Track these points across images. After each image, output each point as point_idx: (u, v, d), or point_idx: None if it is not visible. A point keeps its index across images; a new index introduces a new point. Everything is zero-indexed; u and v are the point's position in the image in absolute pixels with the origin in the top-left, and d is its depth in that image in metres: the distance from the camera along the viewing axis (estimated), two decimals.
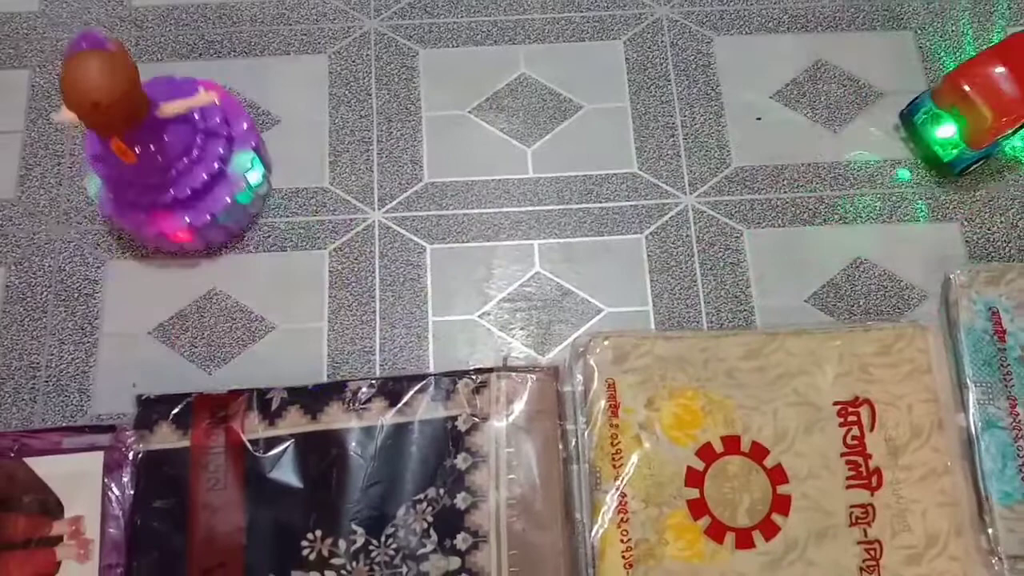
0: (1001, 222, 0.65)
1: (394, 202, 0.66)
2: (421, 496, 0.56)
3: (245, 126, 0.63)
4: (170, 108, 0.57)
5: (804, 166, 0.66)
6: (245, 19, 0.72)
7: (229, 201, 0.61)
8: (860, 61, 0.70)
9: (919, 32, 0.71)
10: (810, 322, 0.62)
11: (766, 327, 0.62)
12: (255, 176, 0.63)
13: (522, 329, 0.62)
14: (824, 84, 0.69)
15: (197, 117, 0.60)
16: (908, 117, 0.66)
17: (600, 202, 0.66)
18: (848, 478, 0.56)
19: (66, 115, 0.53)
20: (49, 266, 0.64)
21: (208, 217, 0.60)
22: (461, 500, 0.56)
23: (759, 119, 0.68)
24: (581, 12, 0.72)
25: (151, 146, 0.57)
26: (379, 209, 0.66)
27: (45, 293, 0.63)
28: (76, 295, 0.63)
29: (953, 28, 0.71)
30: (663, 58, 0.70)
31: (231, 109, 0.63)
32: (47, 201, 0.66)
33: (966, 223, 0.65)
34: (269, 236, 0.65)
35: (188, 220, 0.60)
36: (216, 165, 0.60)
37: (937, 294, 0.62)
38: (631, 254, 0.64)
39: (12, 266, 0.64)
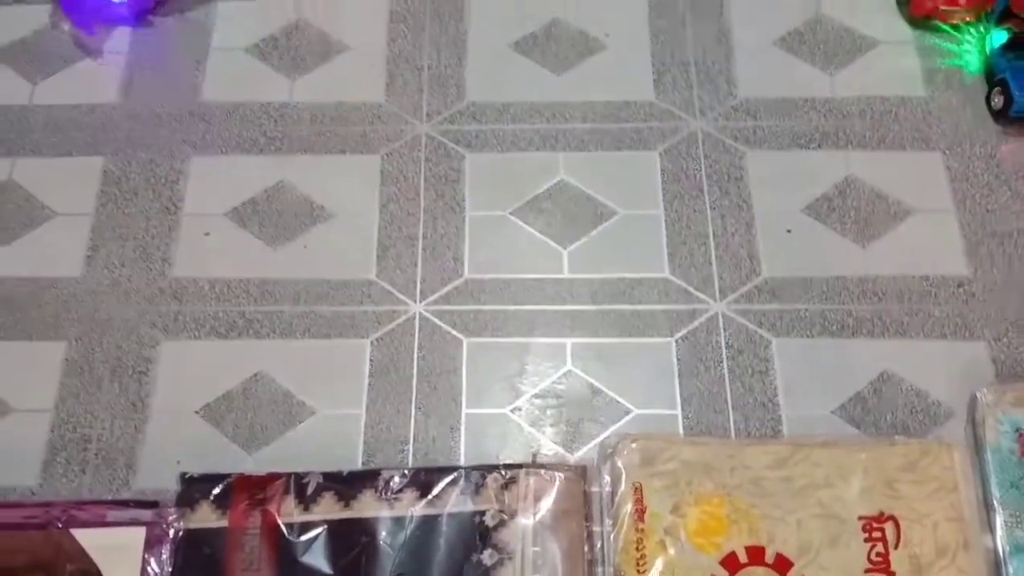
0: None
1: (435, 296, 0.69)
2: None
3: None
4: None
5: (833, 279, 0.68)
6: (304, 119, 0.77)
7: None
8: (889, 179, 0.72)
9: (946, 153, 0.73)
10: (836, 434, 0.63)
11: (793, 437, 0.63)
12: None
13: (552, 426, 0.64)
14: (853, 200, 0.71)
15: None
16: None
17: (632, 304, 0.68)
18: None
19: None
20: (107, 343, 0.68)
21: None
22: None
23: (789, 231, 0.70)
24: (619, 124, 0.75)
25: None
26: (420, 302, 0.69)
27: (102, 369, 0.67)
28: (130, 372, 0.67)
29: (981, 150, 0.73)
30: (697, 169, 0.73)
31: None
32: (110, 281, 0.70)
33: (994, 342, 0.66)
34: (314, 324, 0.68)
35: None
36: None
37: (964, 412, 0.63)
38: (661, 357, 0.66)
39: (73, 341, 0.68)
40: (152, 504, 0.60)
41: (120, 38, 0.81)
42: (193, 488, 0.61)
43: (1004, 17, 0.74)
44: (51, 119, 0.78)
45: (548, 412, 0.65)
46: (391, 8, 0.82)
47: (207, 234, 0.72)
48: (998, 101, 0.73)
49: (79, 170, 0.75)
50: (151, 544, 0.58)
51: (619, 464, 0.60)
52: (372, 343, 0.67)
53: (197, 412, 0.65)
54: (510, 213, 0.72)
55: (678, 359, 0.66)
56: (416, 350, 0.67)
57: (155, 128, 0.77)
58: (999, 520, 0.58)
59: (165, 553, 0.58)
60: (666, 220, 0.71)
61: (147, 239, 0.72)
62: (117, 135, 0.77)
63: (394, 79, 0.78)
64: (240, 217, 0.73)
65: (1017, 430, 0.61)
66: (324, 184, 0.74)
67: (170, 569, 0.58)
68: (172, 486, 0.61)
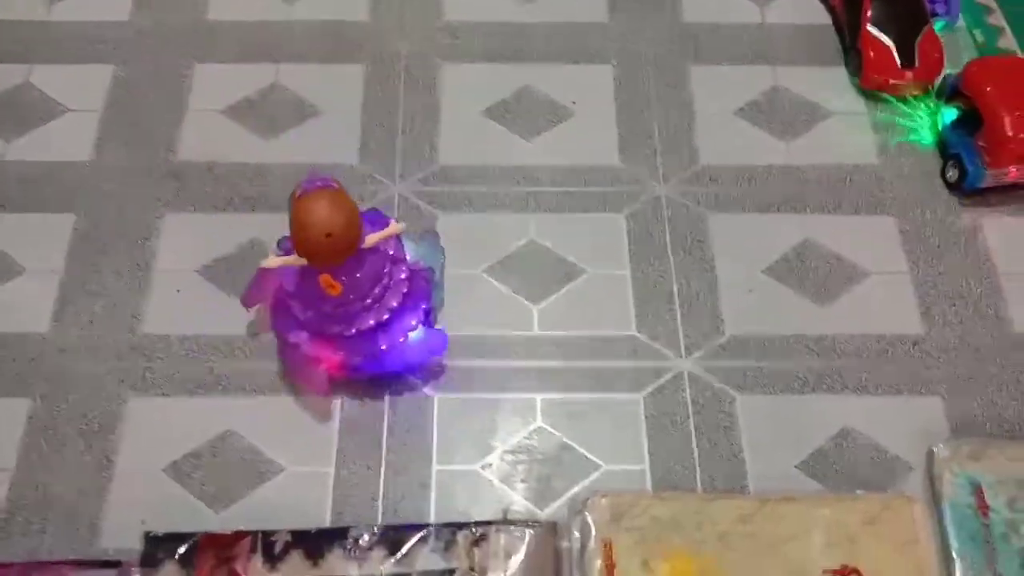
0: (980, 399, 0.68)
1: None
2: None
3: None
4: (372, 238, 0.61)
5: (793, 337, 0.70)
6: (277, 178, 0.78)
7: (414, 324, 0.65)
8: (845, 241, 0.75)
9: (899, 217, 0.77)
10: (800, 489, 0.64)
11: (758, 492, 0.64)
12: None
13: (522, 482, 0.64)
14: (812, 262, 0.74)
15: (382, 246, 0.64)
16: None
17: (601, 360, 0.69)
18: None
19: (273, 261, 0.61)
20: (73, 400, 0.67)
21: (400, 339, 0.64)
22: None
23: (751, 291, 0.73)
24: (587, 188, 0.78)
25: (354, 276, 0.62)
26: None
27: (67, 427, 0.66)
28: (96, 429, 0.66)
29: (931, 215, 0.77)
30: (661, 231, 0.76)
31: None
32: (78, 337, 0.70)
33: (948, 398, 0.68)
34: (283, 381, 0.68)
35: (384, 345, 0.64)
36: (403, 290, 0.64)
37: (923, 466, 0.65)
38: (629, 413, 0.67)
39: (38, 398, 0.67)
40: (115, 563, 0.59)
41: (96, 97, 0.83)
42: (158, 548, 0.60)
43: (952, 95, 0.79)
44: (23, 175, 0.78)
45: (519, 468, 0.65)
46: (365, 75, 0.84)
47: (178, 291, 0.72)
48: (953, 174, 0.77)
49: (49, 226, 0.75)
50: None
51: (589, 520, 0.61)
52: (343, 401, 0.67)
53: (164, 470, 0.64)
54: (482, 271, 0.73)
55: (646, 416, 0.67)
56: (386, 407, 0.67)
57: (127, 186, 0.78)
58: (958, 573, 0.60)
59: None
60: (632, 280, 0.73)
61: (117, 295, 0.72)
62: (90, 192, 0.77)
63: (367, 142, 0.80)
64: (212, 274, 0.73)
65: (973, 484, 0.63)
66: None
67: None
68: (137, 546, 0.60)
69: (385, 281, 0.64)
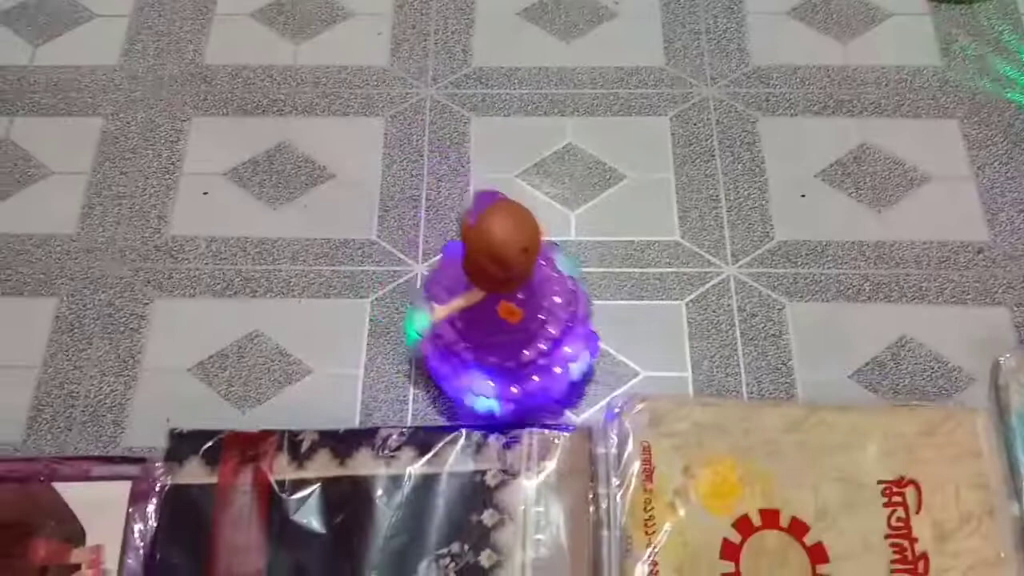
0: None
1: (436, 257, 0.67)
2: (445, 551, 0.55)
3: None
4: (442, 312, 0.55)
5: (848, 244, 0.66)
6: (308, 81, 0.75)
7: (573, 354, 0.58)
8: (905, 146, 0.70)
9: (963, 120, 0.71)
10: (853, 400, 0.60)
11: (808, 401, 0.60)
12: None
13: None
14: (869, 167, 0.70)
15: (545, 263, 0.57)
16: None
17: (641, 267, 0.66)
18: (893, 561, 0.54)
19: (440, 313, 0.55)
20: (99, 300, 0.66)
21: (558, 372, 0.57)
22: (485, 558, 0.54)
23: (803, 196, 0.68)
24: (629, 89, 0.74)
25: (526, 304, 0.55)
26: (423, 262, 0.67)
27: (92, 326, 0.65)
28: (122, 329, 0.65)
29: (998, 119, 0.71)
30: (708, 135, 0.71)
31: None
32: (104, 239, 0.68)
33: (1016, 308, 0.63)
34: (312, 284, 0.66)
35: (560, 371, 0.57)
36: (563, 315, 0.57)
37: (986, 378, 0.61)
38: (671, 320, 0.64)
39: (64, 297, 0.66)
40: (139, 460, 0.58)
41: (124, 2, 0.81)
42: (182, 444, 0.58)
43: None
44: (51, 80, 0.76)
45: None
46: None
47: (205, 193, 0.70)
48: None
49: (77, 130, 0.74)
50: (136, 499, 0.56)
51: (626, 424, 0.58)
52: (372, 303, 0.65)
53: (189, 370, 0.63)
54: (516, 176, 0.70)
55: (688, 322, 0.64)
56: None
57: (157, 89, 0.76)
58: None
59: (151, 509, 0.56)
60: (676, 184, 0.69)
61: (144, 198, 0.70)
62: (117, 96, 0.75)
63: (399, 45, 0.77)
64: (240, 177, 0.71)
65: None
66: (326, 146, 0.72)
67: (155, 525, 0.55)
68: (161, 444, 0.58)
69: (547, 307, 0.57)
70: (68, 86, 0.76)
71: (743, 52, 0.76)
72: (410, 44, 0.77)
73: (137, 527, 0.55)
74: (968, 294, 0.64)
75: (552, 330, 0.58)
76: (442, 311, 0.55)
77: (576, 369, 0.59)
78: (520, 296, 0.55)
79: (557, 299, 0.58)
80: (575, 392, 0.61)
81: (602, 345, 0.63)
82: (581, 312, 0.59)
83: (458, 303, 0.55)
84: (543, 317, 0.57)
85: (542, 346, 0.57)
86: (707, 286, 0.65)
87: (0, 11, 0.80)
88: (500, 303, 0.54)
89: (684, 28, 0.77)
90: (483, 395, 0.58)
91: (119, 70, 0.77)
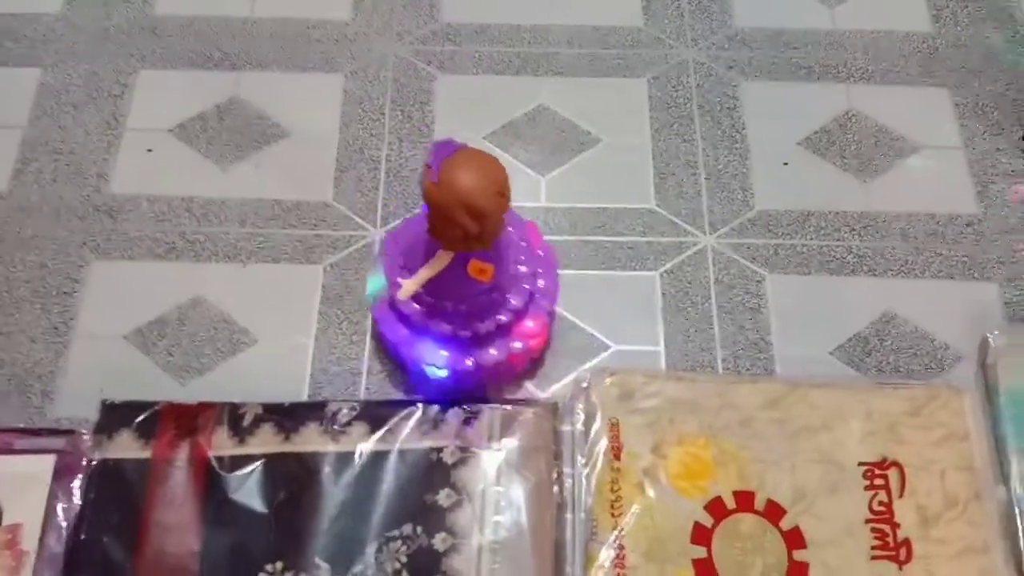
0: None
1: (396, 222, 0.63)
2: (396, 533, 0.51)
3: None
4: (410, 286, 0.51)
5: (832, 214, 0.63)
6: (264, 34, 0.71)
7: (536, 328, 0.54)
8: (894, 113, 0.67)
9: (954, 89, 0.68)
10: (835, 376, 0.57)
11: (788, 377, 0.57)
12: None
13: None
14: (855, 134, 0.66)
15: (512, 230, 0.54)
16: None
17: (613, 236, 0.62)
18: (873, 547, 0.50)
19: (409, 288, 0.50)
20: (31, 262, 0.61)
21: (517, 347, 0.54)
22: (440, 541, 0.50)
23: (785, 164, 0.65)
24: (607, 49, 0.70)
25: (500, 258, 0.52)
26: (380, 227, 0.62)
27: (22, 289, 0.60)
28: (55, 292, 0.60)
29: (990, 89, 0.68)
30: (687, 98, 0.68)
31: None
32: (39, 197, 0.64)
33: (1006, 283, 0.60)
34: (261, 248, 0.61)
35: (519, 345, 0.54)
36: (527, 286, 0.54)
37: (973, 356, 0.58)
38: (644, 291, 0.60)
39: None
40: (66, 432, 0.53)
41: None
42: (114, 415, 0.54)
43: None
44: None
45: None
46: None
47: (150, 150, 0.66)
48: None
49: (13, 81, 0.69)
50: (61, 475, 0.51)
51: (593, 399, 0.54)
52: (325, 269, 0.61)
53: (126, 337, 0.58)
54: (483, 138, 0.66)
55: (663, 294, 0.60)
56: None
57: (101, 42, 0.71)
58: (1015, 470, 0.52)
59: (76, 484, 0.51)
60: (654, 150, 0.66)
61: (83, 154, 0.65)
62: (58, 47, 0.70)
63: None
64: (187, 134, 0.66)
65: None
66: (281, 102, 0.67)
67: (80, 503, 0.51)
68: (93, 416, 0.54)
69: (512, 271, 0.53)
70: (5, 35, 0.71)
71: (725, 13, 0.72)
72: None
73: (60, 505, 0.51)
74: (956, 268, 0.61)
75: (515, 301, 0.54)
76: (411, 285, 0.51)
77: (535, 346, 0.55)
78: (491, 254, 0.51)
79: (523, 268, 0.55)
80: (537, 367, 0.57)
81: (570, 317, 0.59)
82: (548, 285, 0.55)
83: (425, 273, 0.51)
84: (505, 288, 0.53)
85: (502, 318, 0.53)
86: (683, 256, 0.61)
87: None
88: (471, 261, 0.50)
89: None
90: (434, 365, 0.54)
91: (61, 19, 0.72)
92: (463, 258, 0.50)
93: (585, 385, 0.55)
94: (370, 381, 0.57)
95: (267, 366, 0.57)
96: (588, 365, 0.57)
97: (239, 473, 0.52)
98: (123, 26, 0.71)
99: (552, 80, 0.69)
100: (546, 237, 0.62)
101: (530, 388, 0.57)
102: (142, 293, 0.60)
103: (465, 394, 0.54)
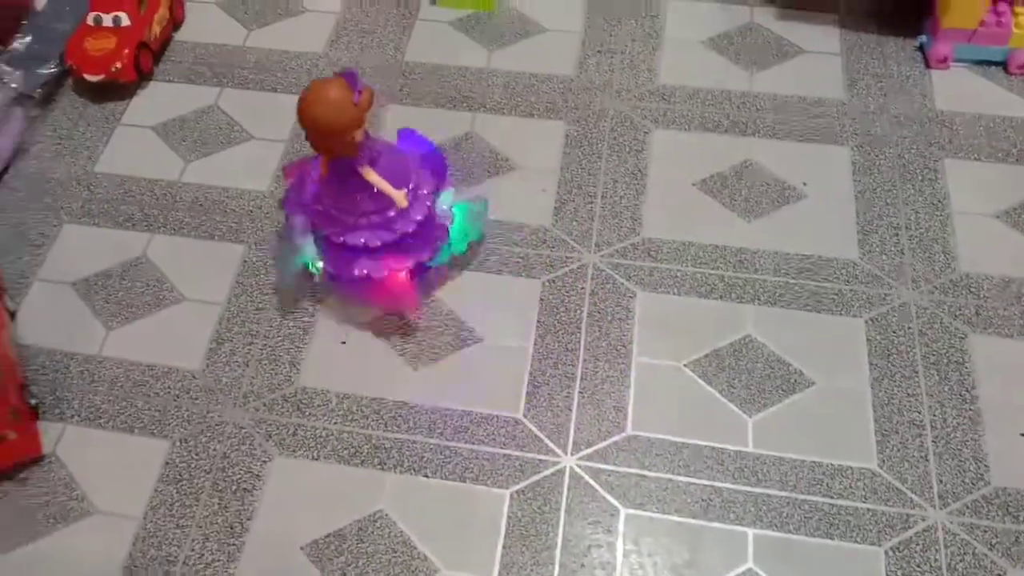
0: None
1: (590, 449, 0.59)
2: None
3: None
4: (372, 175, 0.60)
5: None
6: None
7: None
8: None
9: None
10: None
11: None
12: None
13: None
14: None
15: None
16: None
17: (831, 498, 0.56)
18: None
19: (398, 194, 0.62)
20: (214, 451, 0.60)
21: (430, 253, 0.63)
22: None
23: (1022, 435, 0.59)
24: (817, 282, 0.66)
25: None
26: (572, 455, 0.59)
27: (203, 479, 0.58)
28: (234, 488, 0.58)
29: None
30: (910, 346, 0.63)
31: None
32: (229, 380, 0.63)
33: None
34: (448, 462, 0.58)
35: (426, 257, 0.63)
36: (428, 204, 0.63)
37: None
38: (865, 569, 0.54)
39: (177, 442, 0.60)
40: None
41: None
42: None
43: None
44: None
45: None
46: (566, 133, 0.77)
47: (343, 343, 0.65)
48: None
49: (217, 256, 0.70)
50: None
51: None
52: (511, 495, 0.57)
53: (302, 549, 0.55)
54: (685, 365, 0.62)
55: (887, 574, 0.53)
56: (563, 514, 0.56)
57: None
58: None
59: None
60: (873, 400, 0.60)
61: (276, 341, 0.65)
62: (263, 225, 0.71)
63: (564, 205, 0.72)
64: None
65: None
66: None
67: None
68: None
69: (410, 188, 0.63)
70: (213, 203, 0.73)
71: (949, 256, 0.68)
72: (574, 205, 0.71)
73: None
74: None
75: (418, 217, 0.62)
76: (386, 187, 0.60)
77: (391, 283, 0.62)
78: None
79: (424, 190, 0.63)
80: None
81: None
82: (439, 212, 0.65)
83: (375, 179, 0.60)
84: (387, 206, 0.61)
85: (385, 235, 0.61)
86: (910, 532, 0.55)
87: None
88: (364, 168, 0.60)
89: (881, 221, 0.69)
90: (308, 256, 0.63)
91: (268, 198, 0.74)
92: (350, 169, 0.59)
93: None
94: None
95: None
96: None
97: None
98: None
99: (759, 309, 0.65)
100: (752, 488, 0.57)
101: None
102: (323, 499, 0.57)
103: None
